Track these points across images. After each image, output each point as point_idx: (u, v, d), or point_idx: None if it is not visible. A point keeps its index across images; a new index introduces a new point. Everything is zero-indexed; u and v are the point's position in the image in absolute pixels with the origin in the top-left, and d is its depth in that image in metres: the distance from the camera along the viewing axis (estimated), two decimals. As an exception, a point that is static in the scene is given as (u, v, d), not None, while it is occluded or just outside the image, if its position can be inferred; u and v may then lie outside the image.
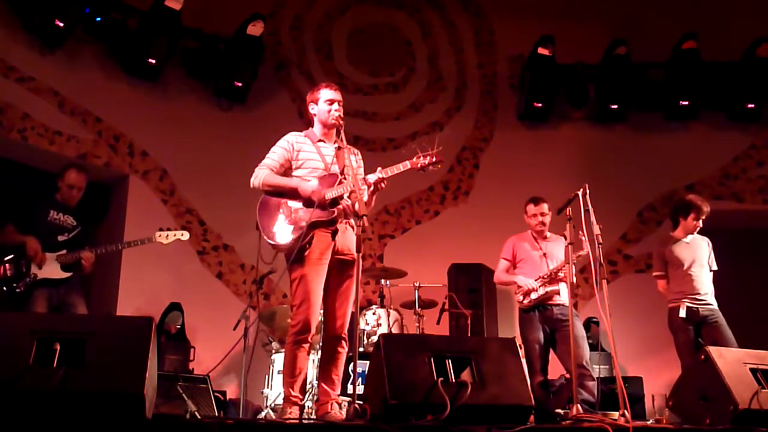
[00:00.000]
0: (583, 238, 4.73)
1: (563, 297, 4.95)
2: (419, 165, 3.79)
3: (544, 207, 5.23)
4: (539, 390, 4.86)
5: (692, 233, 5.32)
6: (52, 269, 4.71)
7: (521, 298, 5.10)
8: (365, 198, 3.77)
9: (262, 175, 3.77)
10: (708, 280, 5.24)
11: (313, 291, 3.59)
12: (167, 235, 4.97)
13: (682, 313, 5.12)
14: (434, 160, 3.78)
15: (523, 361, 6.92)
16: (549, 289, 4.97)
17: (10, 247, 4.70)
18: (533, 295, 4.99)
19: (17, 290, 4.60)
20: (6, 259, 4.66)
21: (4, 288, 4.61)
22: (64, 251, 4.78)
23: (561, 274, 4.89)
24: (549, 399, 4.97)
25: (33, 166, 6.61)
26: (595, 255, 4.53)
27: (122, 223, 6.81)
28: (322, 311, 3.82)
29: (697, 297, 5.15)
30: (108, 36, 6.81)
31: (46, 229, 4.79)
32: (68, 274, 4.76)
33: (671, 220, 5.52)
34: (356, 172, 3.84)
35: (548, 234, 5.25)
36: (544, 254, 5.11)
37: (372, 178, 3.71)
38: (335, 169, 3.77)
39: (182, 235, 5.04)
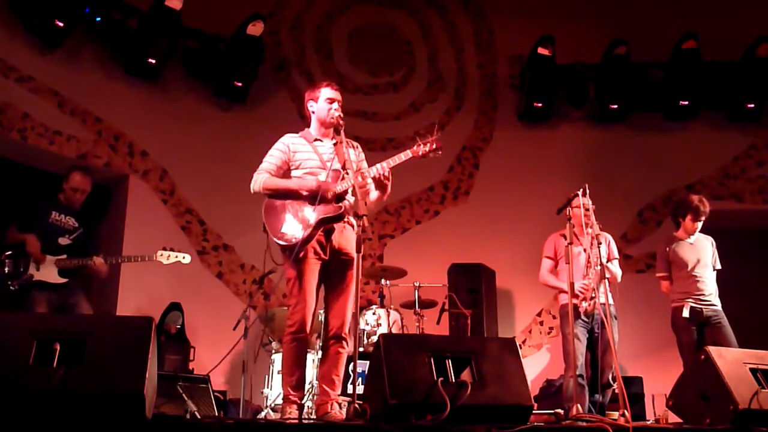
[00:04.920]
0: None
1: (604, 295, 4.76)
2: (420, 153, 3.78)
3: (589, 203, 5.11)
4: (574, 385, 4.60)
5: (693, 234, 5.31)
6: (49, 273, 4.70)
7: (565, 299, 4.87)
8: (372, 191, 3.77)
9: (261, 179, 3.77)
10: (712, 281, 5.23)
11: (309, 290, 3.59)
12: (168, 256, 4.98)
13: (686, 313, 5.11)
14: (434, 147, 3.78)
15: (531, 358, 6.99)
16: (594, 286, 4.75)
17: (11, 246, 4.72)
18: (584, 304, 4.76)
19: (11, 288, 4.61)
20: (4, 255, 4.66)
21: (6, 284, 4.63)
22: (64, 256, 4.78)
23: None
24: (583, 395, 4.75)
25: (33, 166, 6.62)
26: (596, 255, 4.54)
27: (122, 223, 6.82)
28: (322, 311, 3.83)
29: (701, 297, 5.15)
30: (108, 36, 6.81)
31: (47, 231, 4.80)
32: (64, 280, 4.75)
33: (672, 221, 5.52)
34: (360, 166, 3.84)
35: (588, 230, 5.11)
36: (585, 250, 4.96)
37: (372, 172, 3.69)
38: (335, 165, 3.76)
39: (183, 258, 5.05)
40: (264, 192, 3.77)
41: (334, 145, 3.81)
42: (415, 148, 3.78)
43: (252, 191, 3.81)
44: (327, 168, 3.73)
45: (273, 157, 3.83)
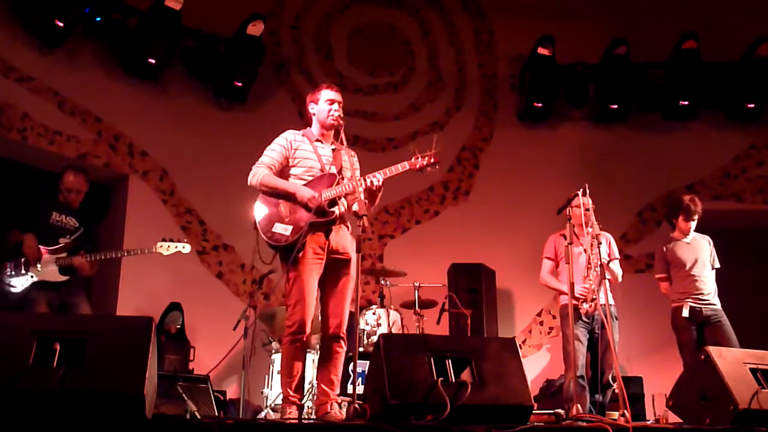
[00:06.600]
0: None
1: (604, 296, 4.73)
2: (417, 166, 3.77)
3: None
4: (574, 385, 4.38)
5: (688, 233, 5.30)
6: (49, 272, 4.71)
7: (565, 300, 4.82)
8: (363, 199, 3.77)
9: (261, 174, 3.77)
10: (711, 280, 5.22)
11: (308, 291, 3.59)
12: (168, 246, 4.99)
13: (685, 313, 5.11)
14: (432, 161, 3.77)
15: (532, 358, 6.99)
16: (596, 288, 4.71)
17: (12, 248, 4.72)
18: (585, 305, 4.74)
19: (13, 289, 4.62)
20: (6, 259, 4.67)
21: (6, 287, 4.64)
22: (64, 254, 4.79)
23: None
24: (584, 395, 4.71)
25: (33, 166, 6.62)
26: (596, 255, 4.54)
27: (122, 223, 6.82)
28: (320, 311, 3.83)
29: (700, 297, 5.14)
30: (108, 36, 6.81)
31: (48, 231, 4.81)
32: (66, 278, 4.76)
33: (667, 222, 5.52)
34: (354, 175, 3.84)
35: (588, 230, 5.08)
36: (585, 250, 4.98)
37: (366, 181, 3.67)
38: (332, 169, 3.76)
39: (183, 247, 5.06)
40: (260, 188, 3.77)
41: (334, 150, 3.81)
42: (412, 160, 3.77)
43: (249, 183, 3.80)
44: (324, 170, 3.74)
45: (274, 152, 3.83)
